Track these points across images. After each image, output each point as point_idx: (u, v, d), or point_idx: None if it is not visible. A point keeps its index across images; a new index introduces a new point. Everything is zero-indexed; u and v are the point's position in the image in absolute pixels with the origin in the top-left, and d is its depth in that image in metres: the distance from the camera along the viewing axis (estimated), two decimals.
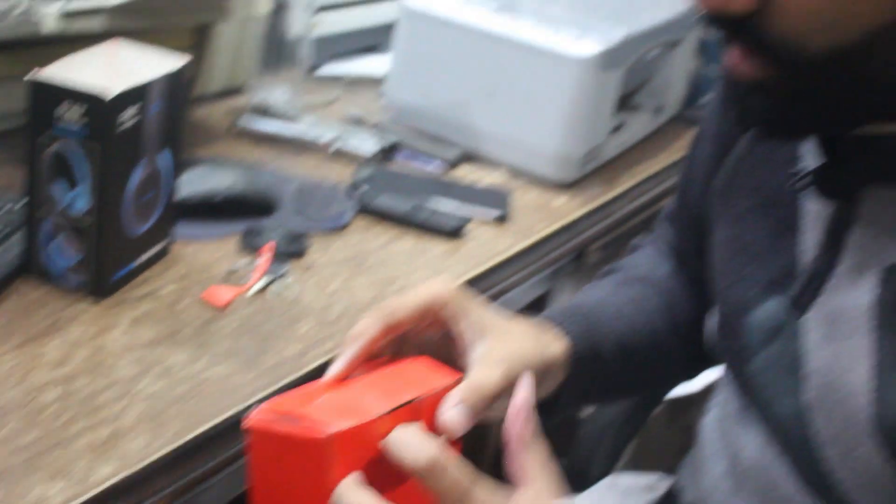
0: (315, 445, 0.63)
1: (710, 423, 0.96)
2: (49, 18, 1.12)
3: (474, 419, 0.70)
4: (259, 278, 1.07)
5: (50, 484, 0.78)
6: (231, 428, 0.88)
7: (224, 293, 1.04)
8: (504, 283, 1.23)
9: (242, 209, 1.18)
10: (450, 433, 0.69)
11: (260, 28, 1.46)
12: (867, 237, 0.72)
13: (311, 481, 0.64)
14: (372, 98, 1.58)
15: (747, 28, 0.64)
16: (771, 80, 0.65)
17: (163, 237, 1.07)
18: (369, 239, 1.21)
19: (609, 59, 1.38)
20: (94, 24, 1.16)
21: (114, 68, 0.96)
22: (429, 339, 0.77)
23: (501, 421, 0.78)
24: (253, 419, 0.66)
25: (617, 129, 1.52)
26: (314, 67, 1.63)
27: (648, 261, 1.01)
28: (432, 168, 1.41)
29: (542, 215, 1.35)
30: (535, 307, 1.39)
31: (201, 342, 0.97)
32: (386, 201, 1.25)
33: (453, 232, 1.24)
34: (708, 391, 1.04)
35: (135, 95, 0.94)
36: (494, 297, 1.21)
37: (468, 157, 1.44)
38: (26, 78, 0.93)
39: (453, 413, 0.69)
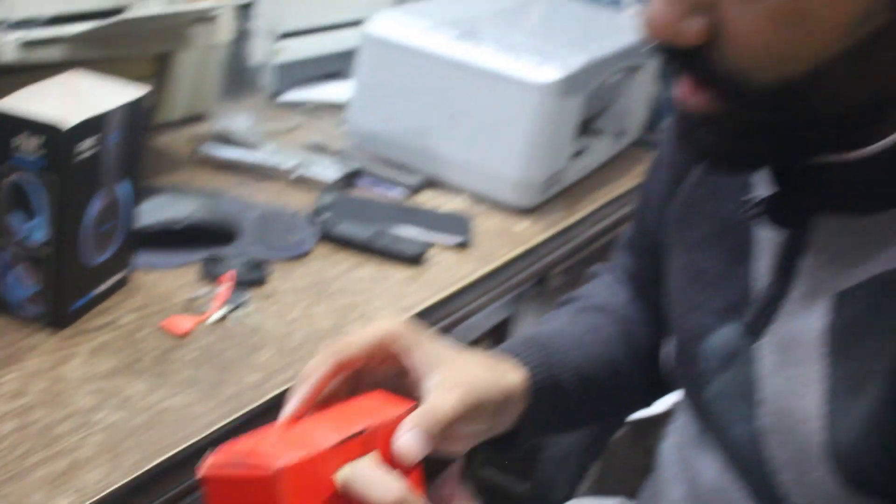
0: (266, 482, 0.62)
1: (669, 447, 0.96)
2: (8, 48, 1.12)
3: (430, 445, 0.70)
4: (219, 307, 1.07)
5: None
6: (190, 458, 0.88)
7: (184, 322, 1.04)
8: (466, 309, 1.24)
9: (203, 237, 1.18)
10: (405, 459, 0.69)
11: (222, 55, 1.46)
12: (818, 264, 0.73)
13: None
14: (334, 124, 1.59)
15: (697, 60, 0.64)
16: (721, 113, 0.66)
17: (122, 266, 1.07)
18: (330, 266, 1.21)
19: (570, 85, 1.39)
20: (55, 53, 1.16)
21: (72, 99, 0.96)
22: (384, 376, 0.77)
23: (461, 452, 0.79)
24: (205, 467, 0.66)
25: (578, 153, 1.54)
26: (276, 94, 1.63)
27: (606, 289, 1.01)
28: (394, 194, 1.41)
29: (503, 240, 1.36)
30: (497, 332, 1.40)
31: (160, 372, 0.97)
32: (347, 228, 1.25)
33: (414, 258, 1.24)
34: (670, 413, 1.05)
35: (93, 126, 0.94)
36: (456, 323, 1.21)
37: (430, 184, 1.45)
38: None
39: (407, 438, 0.69)
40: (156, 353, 0.99)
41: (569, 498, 1.17)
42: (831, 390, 0.71)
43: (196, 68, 1.45)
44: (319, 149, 1.49)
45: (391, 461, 0.68)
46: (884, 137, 0.66)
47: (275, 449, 0.64)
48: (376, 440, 0.68)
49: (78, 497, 0.80)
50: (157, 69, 1.41)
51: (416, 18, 1.46)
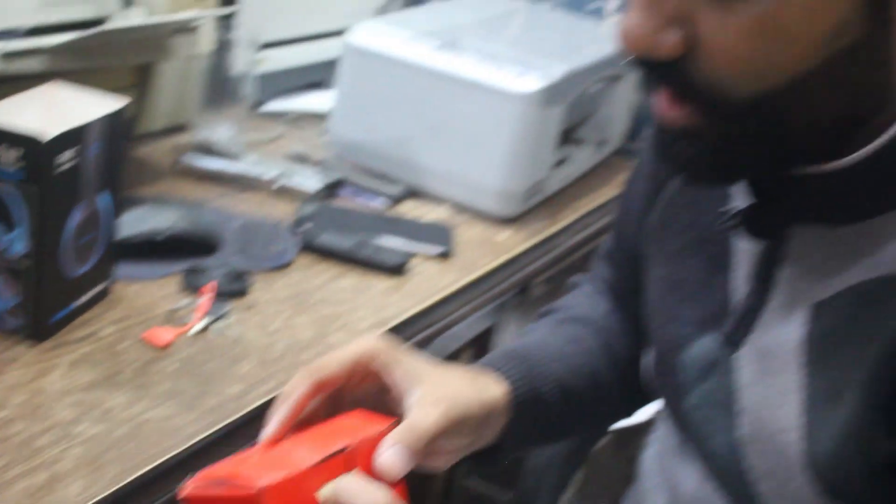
0: (249, 501, 0.62)
1: (650, 457, 0.97)
2: None
3: (412, 461, 0.70)
4: (200, 318, 1.07)
5: None
6: (171, 470, 0.88)
7: (165, 333, 1.03)
8: (448, 319, 1.24)
9: (185, 248, 1.18)
10: (387, 476, 0.69)
11: (203, 65, 1.46)
12: (796, 274, 0.74)
13: None
14: (316, 134, 1.59)
15: (674, 73, 0.65)
16: (698, 126, 0.66)
17: (103, 278, 1.06)
18: (312, 276, 1.21)
19: (551, 94, 1.39)
20: (35, 64, 1.16)
21: (52, 110, 0.96)
22: (364, 394, 0.77)
23: (444, 467, 0.79)
24: (187, 489, 0.66)
25: (560, 163, 1.54)
26: (258, 104, 1.63)
27: (586, 300, 1.01)
28: (376, 205, 1.41)
29: (485, 250, 1.36)
30: (479, 342, 1.40)
31: (141, 383, 0.96)
32: (329, 238, 1.26)
33: (396, 268, 1.24)
34: (653, 423, 1.05)
35: (72, 138, 0.94)
36: (438, 333, 1.22)
37: (412, 194, 1.45)
38: None
39: (390, 455, 0.69)
40: (136, 364, 0.99)
41: None
42: (809, 400, 0.71)
43: (177, 79, 1.45)
44: (301, 159, 1.49)
45: (374, 478, 0.68)
46: (859, 148, 0.67)
47: (257, 469, 0.64)
48: (358, 458, 0.68)
49: None
50: (138, 80, 1.40)
51: (398, 29, 1.46)
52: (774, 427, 0.74)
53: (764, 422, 0.75)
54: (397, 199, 1.43)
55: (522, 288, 1.39)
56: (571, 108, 1.49)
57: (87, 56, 1.22)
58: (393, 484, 0.69)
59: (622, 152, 1.73)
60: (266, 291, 1.16)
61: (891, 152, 0.66)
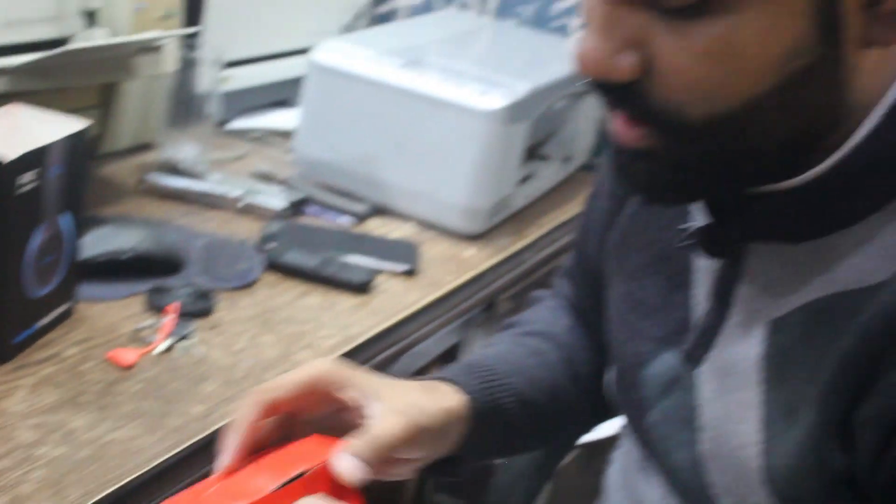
0: None
1: (615, 472, 0.97)
2: None
3: (369, 469, 0.71)
4: (164, 338, 1.07)
5: None
6: (134, 491, 0.88)
7: (129, 354, 1.03)
8: (414, 336, 1.24)
9: (149, 268, 1.18)
10: (346, 481, 0.69)
11: (168, 84, 1.45)
12: (753, 292, 0.74)
13: None
14: (282, 153, 1.59)
15: (630, 95, 0.65)
16: (655, 147, 0.67)
17: (66, 299, 1.06)
18: (277, 295, 1.21)
19: (515, 111, 1.40)
20: None
21: (13, 132, 0.96)
22: (321, 416, 0.78)
23: (404, 477, 0.79)
24: None
25: (525, 179, 1.55)
26: (223, 122, 1.63)
27: (548, 314, 1.02)
28: (342, 222, 1.42)
29: (451, 267, 1.36)
30: (445, 359, 1.40)
31: (105, 404, 0.96)
32: (294, 257, 1.26)
33: (361, 286, 1.25)
34: (619, 437, 1.05)
35: (33, 159, 0.94)
36: (404, 350, 1.22)
37: (378, 211, 1.45)
38: None
39: (347, 462, 0.70)
40: (100, 385, 0.99)
41: None
42: (767, 416, 0.72)
43: (142, 98, 1.45)
44: (266, 177, 1.49)
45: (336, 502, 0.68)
46: (814, 167, 0.68)
47: (216, 500, 0.64)
48: (318, 483, 0.68)
49: None
50: (102, 99, 1.40)
51: (363, 47, 1.47)
52: (734, 443, 0.75)
53: (724, 437, 0.75)
54: (363, 217, 1.43)
55: (488, 304, 1.40)
56: (536, 124, 1.49)
57: (51, 76, 1.21)
58: (353, 499, 0.69)
59: (587, 168, 1.74)
60: (231, 311, 1.15)
61: (843, 170, 0.67)
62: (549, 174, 1.64)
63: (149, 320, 1.09)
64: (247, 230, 1.34)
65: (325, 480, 0.68)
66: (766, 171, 0.69)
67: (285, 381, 0.75)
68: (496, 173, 1.42)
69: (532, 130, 1.49)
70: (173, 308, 1.10)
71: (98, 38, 1.32)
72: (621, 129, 0.68)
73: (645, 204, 0.84)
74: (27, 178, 0.94)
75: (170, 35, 1.35)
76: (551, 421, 0.95)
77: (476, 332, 1.41)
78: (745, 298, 0.75)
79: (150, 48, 1.32)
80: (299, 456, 0.70)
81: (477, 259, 1.40)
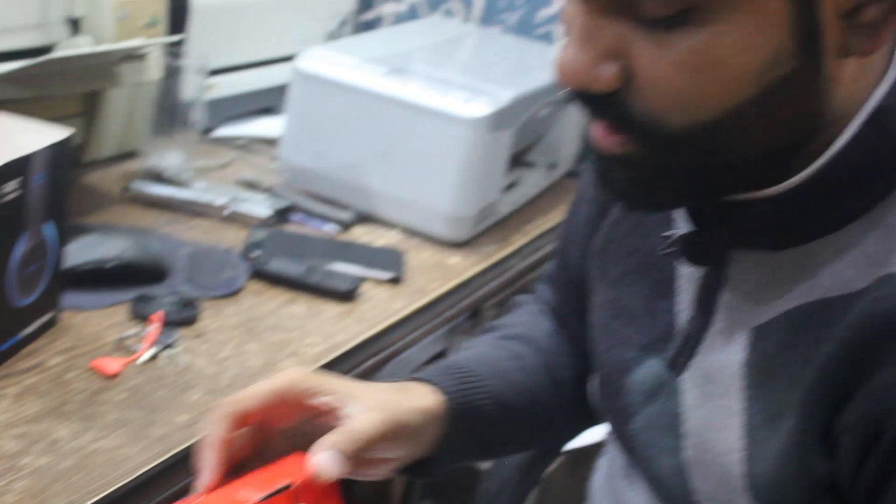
0: None
1: (600, 479, 0.97)
2: None
3: (346, 465, 0.71)
4: (149, 347, 1.06)
5: None
6: (119, 501, 0.88)
7: (113, 363, 1.03)
8: (399, 343, 1.24)
9: (133, 276, 1.17)
10: (321, 477, 0.69)
11: (152, 92, 1.45)
12: (736, 299, 0.75)
13: None
14: (267, 160, 1.59)
15: (610, 105, 0.65)
16: (634, 155, 0.67)
17: (50, 308, 1.06)
18: (262, 303, 1.21)
19: (499, 119, 1.40)
20: None
21: None
22: (297, 428, 0.77)
23: (381, 477, 0.79)
24: None
25: (510, 186, 1.55)
26: (208, 130, 1.63)
27: (529, 319, 1.02)
28: (327, 230, 1.42)
29: (436, 274, 1.36)
30: None
31: (89, 414, 0.96)
32: (279, 265, 1.26)
33: (346, 294, 1.25)
34: (604, 444, 1.06)
35: (16, 168, 0.94)
36: (390, 358, 1.22)
37: (363, 219, 1.45)
38: None
39: (324, 456, 0.70)
40: (84, 394, 0.98)
41: None
42: (749, 423, 0.73)
43: (126, 106, 1.45)
44: (251, 185, 1.49)
45: None
46: (794, 175, 0.68)
47: None
48: (301, 496, 0.68)
49: None
50: (86, 107, 1.40)
51: (347, 54, 1.47)
52: (717, 449, 0.75)
53: (707, 444, 0.76)
54: (348, 225, 1.43)
55: (474, 312, 1.40)
56: (521, 131, 1.50)
57: (35, 84, 1.21)
58: (330, 500, 0.69)
59: (572, 175, 1.74)
60: (215, 319, 1.15)
61: (824, 179, 0.68)
62: (534, 181, 1.64)
63: (133, 329, 1.09)
64: (232, 238, 1.34)
65: (309, 493, 0.68)
66: (746, 179, 0.69)
67: (252, 392, 0.75)
68: (481, 180, 1.42)
69: (517, 137, 1.49)
70: (158, 317, 1.10)
71: (82, 46, 1.32)
72: (601, 136, 0.68)
73: (626, 210, 0.85)
74: (10, 188, 0.94)
75: (154, 43, 1.35)
76: (528, 425, 0.95)
77: (461, 339, 1.41)
78: (727, 306, 0.75)
79: (134, 56, 1.32)
80: (284, 471, 0.70)
81: (462, 266, 1.40)
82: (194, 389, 1.03)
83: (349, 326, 1.20)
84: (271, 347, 1.12)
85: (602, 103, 0.66)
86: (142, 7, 1.40)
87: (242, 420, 0.74)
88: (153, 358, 1.06)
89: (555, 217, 1.60)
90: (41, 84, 1.22)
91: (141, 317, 1.11)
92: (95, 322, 1.10)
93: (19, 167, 0.94)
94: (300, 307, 1.22)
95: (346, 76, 1.43)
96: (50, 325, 1.07)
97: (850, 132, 0.67)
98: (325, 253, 1.32)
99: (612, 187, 0.71)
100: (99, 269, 1.15)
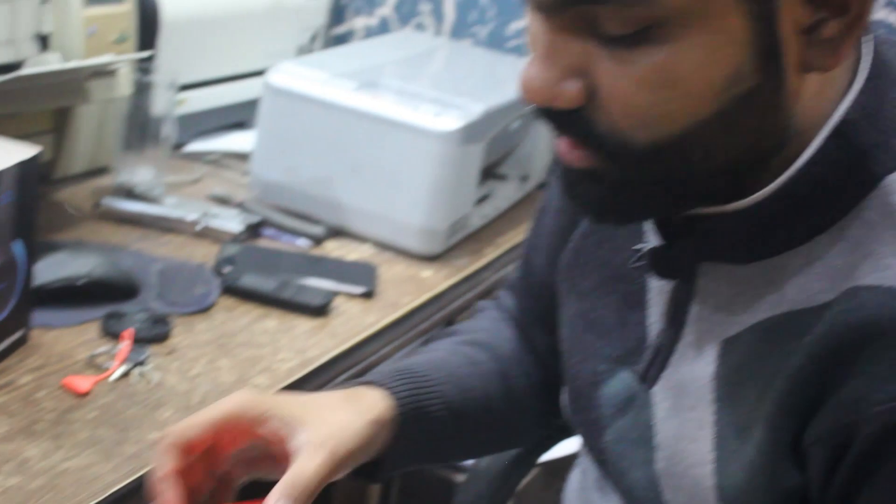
0: None
1: (573, 491, 0.98)
2: None
3: None
4: (120, 364, 1.06)
5: None
6: None
7: (84, 381, 1.02)
8: (372, 358, 1.24)
9: (104, 293, 1.17)
10: None
11: (122, 108, 1.45)
12: (705, 311, 0.75)
13: None
14: (238, 175, 1.58)
15: (574, 121, 0.66)
16: (599, 170, 0.68)
17: (19, 326, 1.05)
18: (234, 319, 1.21)
19: (470, 132, 1.41)
20: None
21: None
22: (253, 451, 0.77)
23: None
24: None
25: (483, 199, 1.55)
26: (180, 145, 1.62)
27: (489, 325, 1.02)
28: (299, 245, 1.41)
29: (409, 288, 1.37)
30: None
31: (59, 433, 0.95)
32: (251, 280, 1.25)
33: (319, 309, 1.24)
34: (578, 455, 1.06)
35: None
36: (363, 372, 1.21)
37: (335, 233, 1.45)
38: None
39: None
40: (55, 413, 0.98)
41: None
42: (720, 435, 0.73)
43: (96, 121, 1.44)
44: (223, 200, 1.48)
45: None
46: (760, 189, 0.69)
47: None
48: None
49: None
50: (56, 123, 1.39)
51: (318, 69, 1.47)
52: (688, 461, 0.75)
53: (679, 456, 0.76)
54: (320, 240, 1.43)
55: (447, 325, 1.40)
56: (492, 144, 1.50)
57: (3, 101, 1.21)
58: None
59: (544, 187, 1.74)
60: (187, 335, 1.15)
61: (789, 192, 0.68)
62: (506, 194, 1.64)
63: (104, 346, 1.09)
64: (203, 254, 1.33)
65: None
66: (711, 193, 0.70)
67: (197, 420, 0.74)
68: (452, 194, 1.43)
69: (488, 150, 1.49)
70: (129, 334, 1.09)
71: (51, 62, 1.31)
72: (567, 150, 0.68)
73: (593, 223, 0.85)
74: None
75: (124, 59, 1.35)
76: (481, 432, 0.94)
77: None
78: (697, 318, 0.76)
79: (103, 72, 1.32)
80: None
81: (435, 280, 1.40)
82: (166, 406, 1.02)
83: (322, 341, 1.20)
84: (243, 363, 1.12)
85: (566, 119, 0.66)
86: (111, 23, 1.39)
87: (189, 449, 0.73)
88: (125, 375, 1.05)
89: (526, 229, 1.60)
90: (10, 101, 1.22)
91: (112, 334, 1.11)
92: (66, 340, 1.10)
93: None
94: (272, 322, 1.22)
95: (317, 91, 1.43)
96: (20, 343, 1.06)
97: (814, 146, 0.67)
98: (298, 268, 1.32)
99: (578, 200, 0.71)
100: (69, 287, 1.15)
